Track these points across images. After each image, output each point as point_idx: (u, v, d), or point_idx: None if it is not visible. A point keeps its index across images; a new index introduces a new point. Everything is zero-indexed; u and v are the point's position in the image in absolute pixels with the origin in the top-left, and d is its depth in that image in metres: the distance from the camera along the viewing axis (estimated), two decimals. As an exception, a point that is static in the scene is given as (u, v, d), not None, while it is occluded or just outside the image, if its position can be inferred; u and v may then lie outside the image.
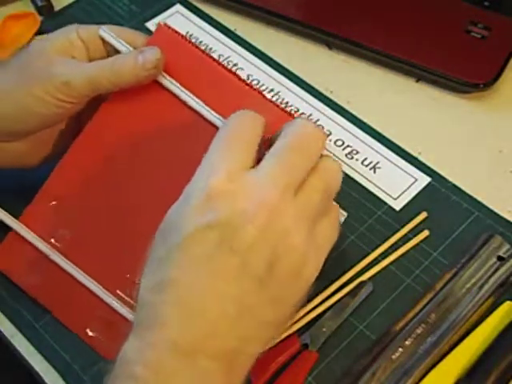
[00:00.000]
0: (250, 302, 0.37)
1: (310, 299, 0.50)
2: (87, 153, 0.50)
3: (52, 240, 0.50)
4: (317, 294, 0.50)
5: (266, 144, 0.42)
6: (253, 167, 0.39)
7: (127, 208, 0.49)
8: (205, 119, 0.47)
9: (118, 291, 0.48)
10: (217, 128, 0.46)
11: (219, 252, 0.37)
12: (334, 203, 0.43)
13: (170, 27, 0.49)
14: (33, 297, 0.50)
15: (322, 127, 0.60)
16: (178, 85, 0.48)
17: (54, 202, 0.50)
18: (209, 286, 0.37)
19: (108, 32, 0.49)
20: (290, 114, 0.45)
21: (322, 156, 0.42)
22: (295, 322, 0.49)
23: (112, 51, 0.49)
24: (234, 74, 0.48)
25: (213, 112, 0.47)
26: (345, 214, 0.46)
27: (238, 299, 0.37)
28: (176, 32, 0.49)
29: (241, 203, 0.37)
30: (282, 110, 0.46)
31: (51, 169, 0.51)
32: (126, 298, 0.48)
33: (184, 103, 0.48)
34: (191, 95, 0.47)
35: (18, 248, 0.50)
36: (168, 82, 0.48)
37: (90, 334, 0.49)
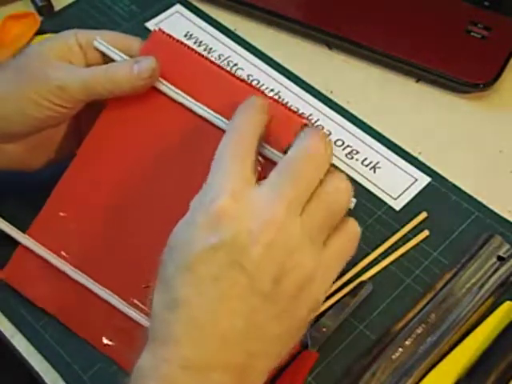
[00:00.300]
0: (257, 318, 0.38)
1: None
2: (92, 162, 0.50)
3: (62, 252, 0.50)
4: (317, 294, 0.50)
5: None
6: (258, 178, 0.40)
7: (136, 215, 0.49)
8: (207, 122, 0.47)
9: (133, 300, 0.48)
10: (221, 130, 0.46)
11: (227, 271, 0.38)
12: (350, 218, 0.43)
13: (164, 32, 0.49)
14: (47, 311, 0.50)
15: (322, 127, 0.60)
16: (177, 90, 0.48)
17: (62, 214, 0.50)
18: (218, 305, 0.38)
19: (103, 43, 0.49)
20: (293, 112, 0.45)
21: (329, 170, 0.41)
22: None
23: (109, 58, 0.50)
24: (233, 75, 0.48)
25: (215, 114, 0.47)
26: (353, 200, 0.44)
27: (246, 316, 0.38)
28: (171, 36, 0.49)
29: (246, 223, 0.38)
30: (286, 108, 0.45)
31: (53, 173, 0.51)
32: (142, 306, 0.48)
33: (185, 107, 0.48)
34: (191, 99, 0.47)
35: (29, 263, 0.50)
36: (166, 88, 0.48)
37: (107, 342, 0.49)
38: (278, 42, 0.68)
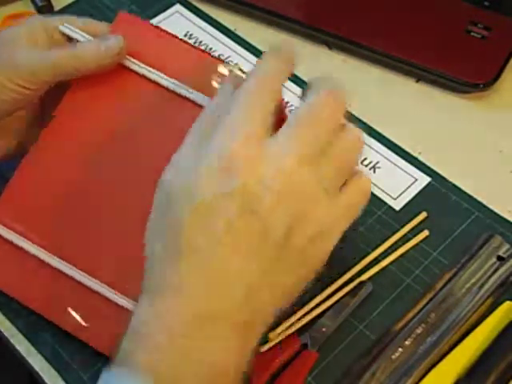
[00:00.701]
0: (269, 269, 0.37)
1: (309, 299, 0.50)
2: (58, 140, 0.49)
3: (29, 234, 0.49)
4: (317, 294, 0.50)
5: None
6: (271, 132, 0.39)
7: (108, 192, 0.48)
8: (175, 94, 0.48)
9: (106, 279, 0.47)
10: (190, 101, 0.47)
11: (240, 219, 0.36)
12: (361, 171, 0.42)
13: (129, 14, 0.50)
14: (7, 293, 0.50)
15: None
16: (145, 66, 0.48)
17: (27, 193, 0.49)
18: (232, 255, 0.36)
19: (69, 27, 0.50)
20: None
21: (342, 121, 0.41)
22: (295, 322, 0.49)
23: (75, 42, 0.50)
24: (198, 48, 0.49)
25: (182, 84, 0.47)
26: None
27: (258, 266, 0.37)
28: (136, 17, 0.50)
29: (259, 170, 0.37)
30: None
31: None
32: (113, 284, 0.47)
33: (152, 82, 0.48)
34: (158, 72, 0.48)
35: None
36: (133, 64, 0.48)
37: (84, 324, 0.48)
38: (278, 41, 0.68)
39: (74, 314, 0.48)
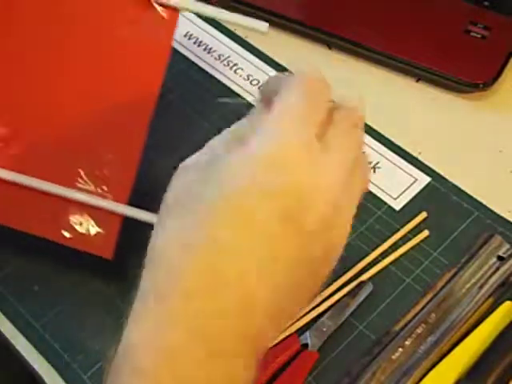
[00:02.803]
0: (298, 283, 0.33)
1: (309, 299, 0.50)
2: None
3: None
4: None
5: None
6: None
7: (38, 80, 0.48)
8: None
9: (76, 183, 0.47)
10: None
11: (281, 227, 0.31)
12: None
13: None
14: None
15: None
16: None
17: None
18: (252, 263, 0.31)
19: None
20: None
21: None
22: (295, 322, 0.49)
23: None
24: None
25: None
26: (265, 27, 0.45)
27: (288, 284, 0.32)
28: None
29: (316, 178, 0.32)
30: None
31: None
32: (86, 178, 0.47)
33: None
34: None
35: None
36: None
37: (67, 235, 0.48)
38: (278, 42, 0.68)
39: (67, 234, 0.48)
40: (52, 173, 0.48)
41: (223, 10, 0.46)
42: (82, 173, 0.47)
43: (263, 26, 0.44)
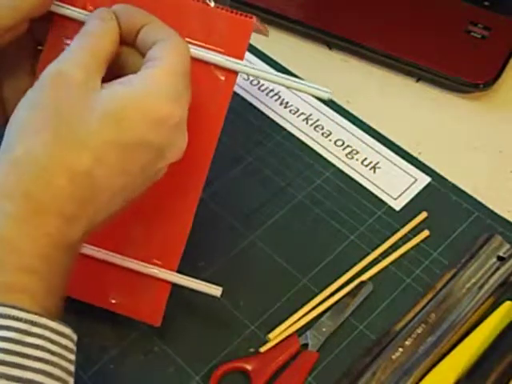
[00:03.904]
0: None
1: (310, 299, 0.50)
2: None
3: None
4: (317, 294, 0.50)
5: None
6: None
7: None
8: None
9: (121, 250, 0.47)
10: None
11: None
12: None
13: None
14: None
15: (322, 127, 0.61)
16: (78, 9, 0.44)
17: None
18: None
19: None
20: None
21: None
22: (295, 322, 0.49)
23: None
24: None
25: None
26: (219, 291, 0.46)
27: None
28: None
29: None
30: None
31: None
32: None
33: None
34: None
35: None
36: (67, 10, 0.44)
37: (115, 301, 0.47)
38: (278, 41, 0.68)
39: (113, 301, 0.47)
40: (106, 241, 0.47)
41: (284, 75, 0.45)
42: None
43: (325, 93, 0.44)
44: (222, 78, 0.44)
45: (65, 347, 0.34)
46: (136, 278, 0.46)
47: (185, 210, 0.45)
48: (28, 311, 0.33)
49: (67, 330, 0.35)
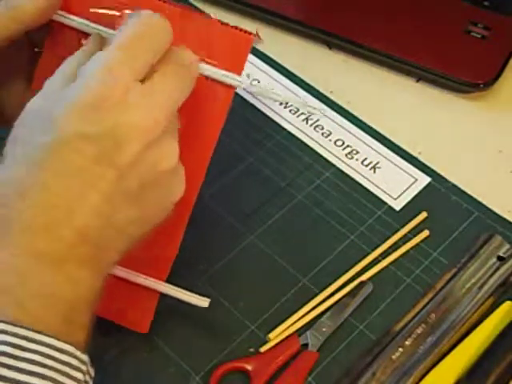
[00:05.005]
0: (116, 217, 0.37)
1: (310, 299, 0.50)
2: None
3: None
4: (317, 294, 0.50)
5: None
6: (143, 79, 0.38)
7: None
8: None
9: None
10: None
11: (96, 164, 0.36)
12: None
13: None
14: None
15: (322, 127, 0.60)
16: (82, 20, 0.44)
17: None
18: (79, 196, 0.36)
19: None
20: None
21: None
22: (295, 322, 0.49)
23: None
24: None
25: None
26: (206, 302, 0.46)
27: (105, 215, 0.37)
28: None
29: (132, 117, 0.36)
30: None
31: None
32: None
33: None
34: (100, 27, 0.44)
35: None
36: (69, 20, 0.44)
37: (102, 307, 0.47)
38: (278, 42, 0.68)
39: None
40: None
41: (286, 95, 0.45)
42: None
43: (319, 109, 0.44)
44: (220, 92, 0.43)
45: (67, 364, 0.34)
46: (125, 285, 0.46)
47: (176, 222, 0.44)
48: (25, 327, 0.33)
49: (69, 347, 0.34)
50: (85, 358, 0.36)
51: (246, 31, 0.44)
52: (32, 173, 0.35)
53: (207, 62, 0.43)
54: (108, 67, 0.36)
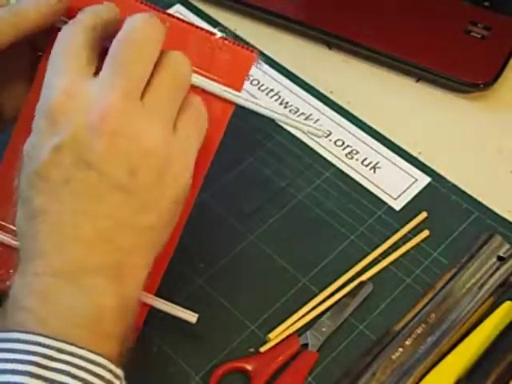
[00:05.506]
0: (121, 213, 0.37)
1: (310, 299, 0.50)
2: None
3: None
4: (317, 294, 0.50)
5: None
6: (96, 73, 0.38)
7: None
8: None
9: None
10: None
11: (76, 171, 0.36)
12: (192, 94, 0.42)
13: None
14: None
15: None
16: None
17: None
18: (75, 208, 0.37)
19: None
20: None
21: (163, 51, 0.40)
22: (295, 322, 0.49)
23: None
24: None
25: None
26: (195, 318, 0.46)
27: (108, 214, 0.37)
28: None
29: (83, 117, 0.37)
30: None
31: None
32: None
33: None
34: None
35: None
36: None
37: None
38: (278, 41, 0.68)
39: None
40: None
41: (280, 111, 0.45)
42: None
43: (319, 131, 0.44)
44: (219, 107, 0.44)
45: (99, 376, 0.34)
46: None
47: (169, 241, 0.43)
48: (59, 339, 0.34)
49: (102, 360, 0.35)
50: (119, 372, 0.35)
51: (247, 48, 0.44)
52: (30, 201, 0.37)
53: (208, 77, 0.43)
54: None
